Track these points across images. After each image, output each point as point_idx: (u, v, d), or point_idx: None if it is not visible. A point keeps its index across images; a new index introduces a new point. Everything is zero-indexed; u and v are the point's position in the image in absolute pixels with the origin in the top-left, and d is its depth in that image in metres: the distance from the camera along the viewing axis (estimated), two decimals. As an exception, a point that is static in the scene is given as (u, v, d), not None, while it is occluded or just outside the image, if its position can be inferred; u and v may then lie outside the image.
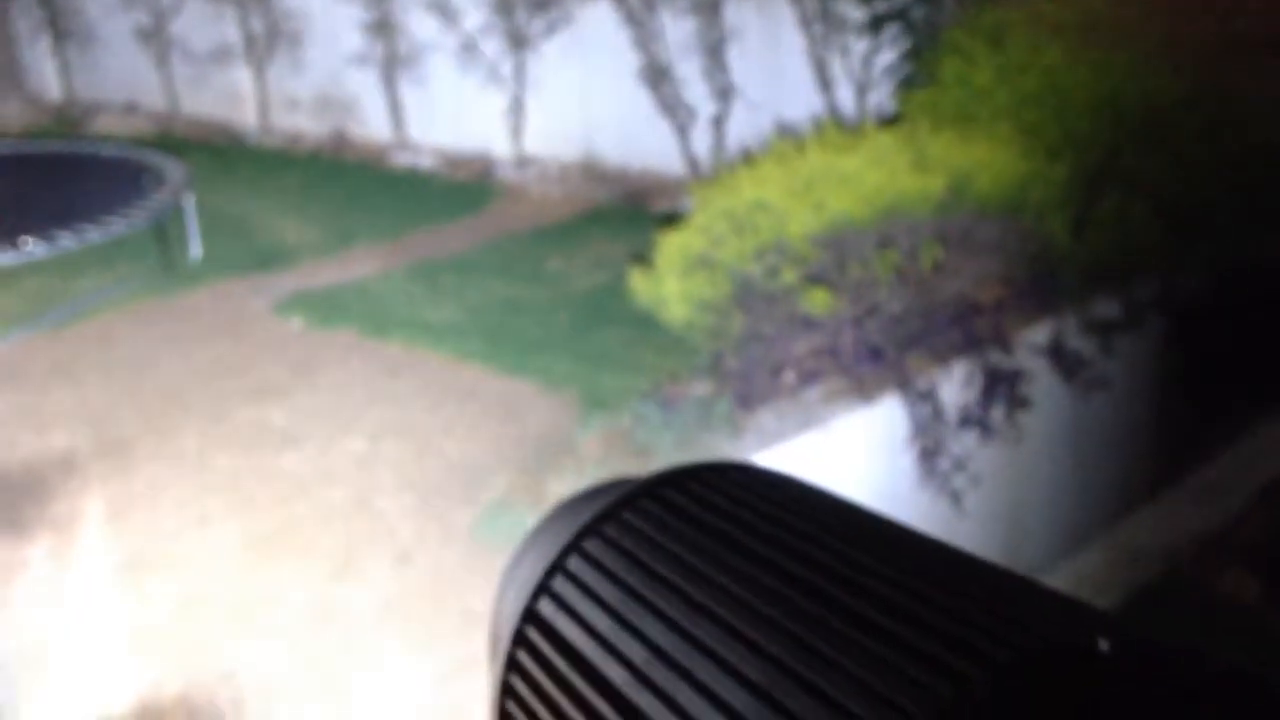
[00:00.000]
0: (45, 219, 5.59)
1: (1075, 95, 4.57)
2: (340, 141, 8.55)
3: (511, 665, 0.43)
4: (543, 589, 0.44)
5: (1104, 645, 0.31)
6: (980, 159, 4.27)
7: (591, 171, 7.57)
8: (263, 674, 3.19)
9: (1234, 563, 4.50)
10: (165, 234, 6.17)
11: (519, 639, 0.43)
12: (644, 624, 0.38)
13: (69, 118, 9.33)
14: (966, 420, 4.32)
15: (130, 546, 3.69)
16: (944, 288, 4.27)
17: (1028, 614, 0.34)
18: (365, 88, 8.35)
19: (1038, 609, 0.34)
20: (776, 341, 4.14)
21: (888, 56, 6.12)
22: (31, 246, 5.34)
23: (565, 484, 4.00)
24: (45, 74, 9.94)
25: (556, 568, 0.44)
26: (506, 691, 0.43)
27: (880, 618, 0.34)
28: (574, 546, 0.45)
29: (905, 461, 4.24)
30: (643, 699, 0.36)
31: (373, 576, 3.60)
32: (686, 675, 0.36)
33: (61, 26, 9.72)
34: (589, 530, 0.45)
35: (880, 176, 3.91)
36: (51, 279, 5.78)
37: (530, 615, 0.43)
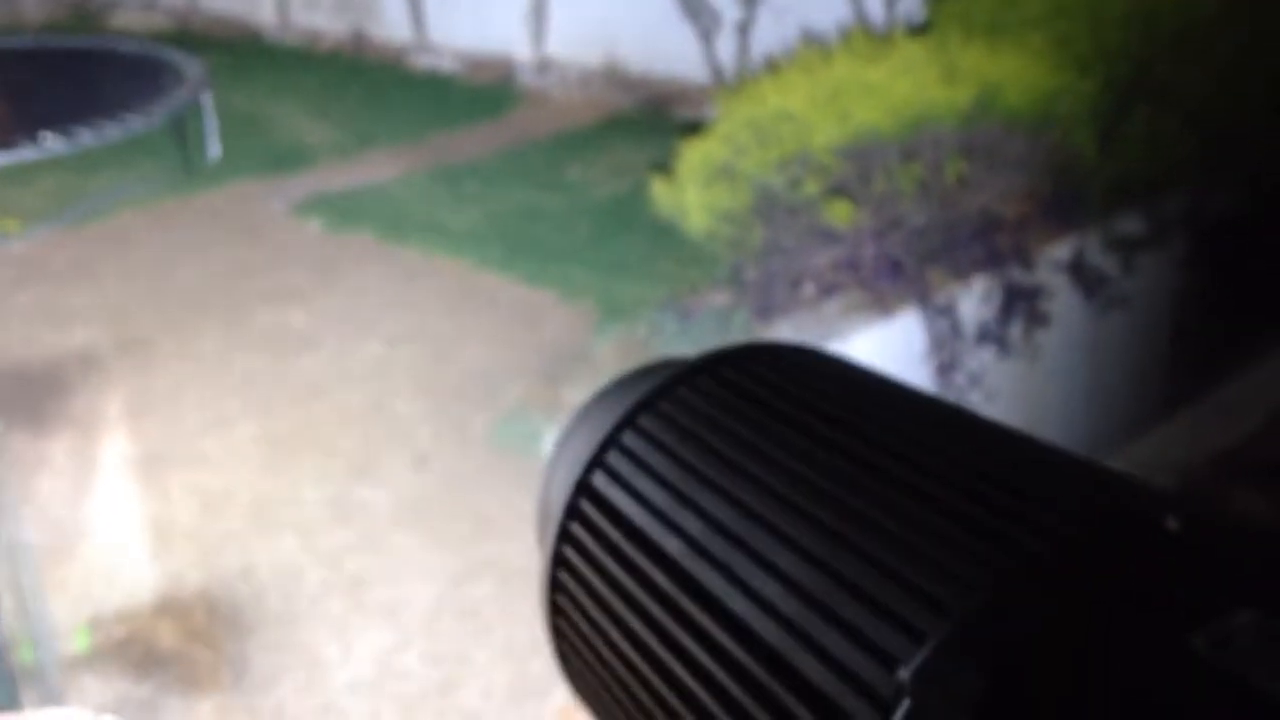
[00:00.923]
0: (63, 115, 5.54)
1: (1109, 5, 4.47)
2: (360, 41, 8.44)
3: (564, 536, 0.43)
4: (596, 462, 0.44)
5: (1173, 522, 0.31)
6: (1009, 71, 4.19)
7: (614, 77, 7.46)
8: (281, 570, 3.24)
9: (1244, 481, 4.50)
10: (184, 133, 6.12)
11: (572, 511, 0.43)
12: (699, 497, 0.38)
13: (87, 12, 9.22)
14: (984, 336, 4.30)
15: (150, 444, 3.73)
16: (967, 202, 4.22)
17: (1093, 489, 0.33)
18: (385, -14, 8.21)
19: (1103, 485, 0.34)
20: (797, 253, 4.11)
21: (919, -37, 5.98)
22: (50, 142, 5.31)
23: (580, 391, 4.00)
24: (62, -33, 9.81)
25: (610, 442, 0.44)
26: (559, 561, 0.43)
27: (940, 490, 0.34)
28: (628, 422, 0.45)
29: (922, 375, 4.23)
30: (698, 568, 0.37)
31: (390, 478, 3.64)
32: (742, 545, 0.36)
33: (78, -82, 9.55)
34: (643, 406, 0.45)
35: (908, 87, 3.85)
36: (70, 176, 5.76)
37: (584, 488, 0.43)
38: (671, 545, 0.38)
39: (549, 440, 3.74)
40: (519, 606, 3.20)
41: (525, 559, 3.33)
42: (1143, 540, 0.31)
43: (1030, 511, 0.32)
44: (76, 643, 2.96)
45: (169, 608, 3.08)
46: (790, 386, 0.42)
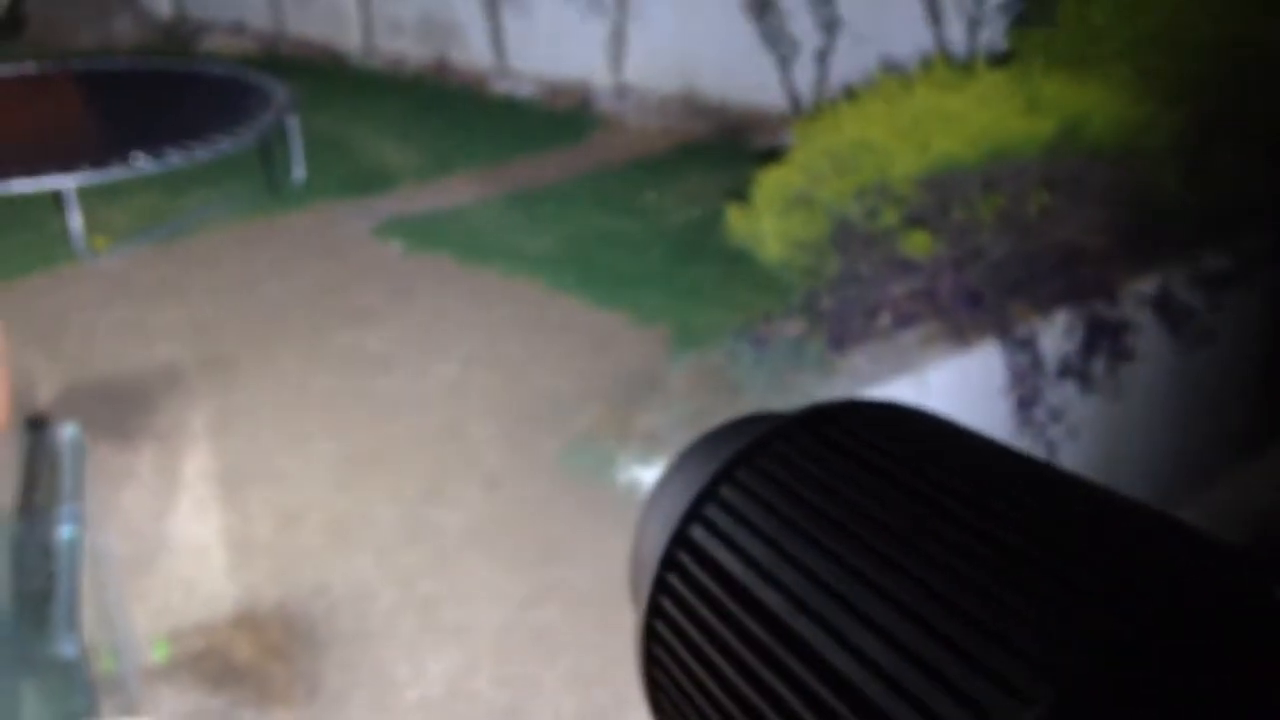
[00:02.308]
0: (154, 136, 5.71)
1: (1194, 36, 4.39)
2: (442, 67, 8.57)
3: (661, 587, 0.43)
4: (694, 515, 0.44)
5: None
6: (1093, 102, 4.13)
7: (691, 104, 7.49)
8: (355, 588, 3.28)
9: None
10: (270, 154, 6.27)
11: (669, 562, 0.44)
12: (798, 551, 0.38)
13: (178, 36, 9.48)
14: (1066, 371, 4.23)
15: (231, 459, 3.80)
16: (1049, 234, 4.16)
17: (1200, 556, 0.33)
18: (468, 13, 8.33)
19: (1208, 552, 0.33)
20: (873, 283, 4.08)
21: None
22: (141, 162, 5.46)
23: (653, 419, 4.02)
24: (157, -8, 10.11)
25: (708, 495, 0.45)
26: (655, 612, 0.43)
27: (1041, 552, 0.34)
28: (725, 475, 0.45)
29: (1001, 410, 4.17)
30: (798, 621, 0.37)
31: (461, 500, 3.67)
32: (842, 600, 0.36)
33: (173, -55, 9.86)
34: (740, 460, 0.45)
35: (989, 117, 3.81)
36: (159, 196, 5.92)
37: (681, 540, 0.44)
38: (770, 599, 0.38)
39: (619, 466, 3.74)
40: (586, 631, 3.20)
41: (592, 584, 3.33)
42: (1253, 614, 0.30)
43: (1137, 578, 0.32)
44: (155, 653, 3.02)
45: (245, 622, 3.13)
46: (888, 444, 0.42)
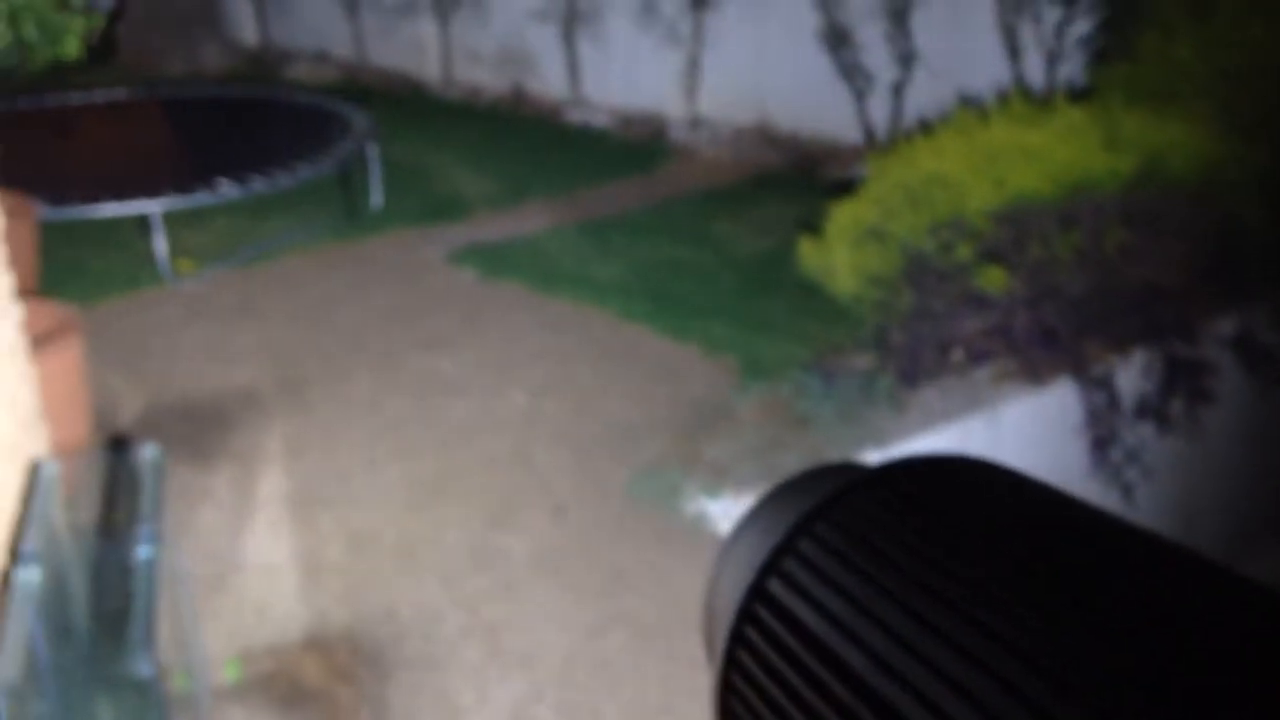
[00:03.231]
0: (238, 161, 5.85)
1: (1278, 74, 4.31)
2: (518, 96, 8.69)
3: (738, 639, 0.43)
4: (771, 568, 0.44)
5: None
6: (1175, 137, 4.07)
7: (764, 135, 7.50)
8: (422, 612, 3.31)
9: None
10: (349, 181, 6.39)
11: (746, 615, 0.44)
12: (880, 609, 0.38)
13: (263, 63, 9.71)
14: (1143, 411, 4.16)
15: (304, 481, 3.86)
16: (1128, 271, 4.10)
17: (1265, 622, 0.33)
18: (544, 44, 8.44)
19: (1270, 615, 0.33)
20: (946, 318, 4.05)
21: (1082, 26, 5.87)
22: (225, 188, 5.59)
23: (720, 449, 4.01)
24: (244, 20, 10.36)
25: (786, 548, 0.45)
26: (732, 664, 0.43)
27: (1127, 617, 0.34)
28: (804, 528, 0.45)
29: (1076, 449, 4.11)
30: (881, 682, 0.37)
31: (529, 526, 3.69)
32: (928, 663, 0.36)
33: (260, -25, 10.11)
34: (819, 513, 0.45)
35: (1068, 153, 3.77)
36: (241, 220, 6.05)
37: (759, 593, 0.44)
38: (852, 657, 0.38)
39: (686, 496, 3.74)
40: (650, 662, 3.19)
41: (657, 614, 3.33)
42: None
43: (1226, 646, 0.32)
44: (227, 673, 3.07)
45: (315, 644, 3.17)
46: (970, 502, 0.42)
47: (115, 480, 3.50)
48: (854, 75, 6.91)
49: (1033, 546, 0.39)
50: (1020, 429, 4.07)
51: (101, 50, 7.02)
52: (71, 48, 4.10)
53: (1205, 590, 0.36)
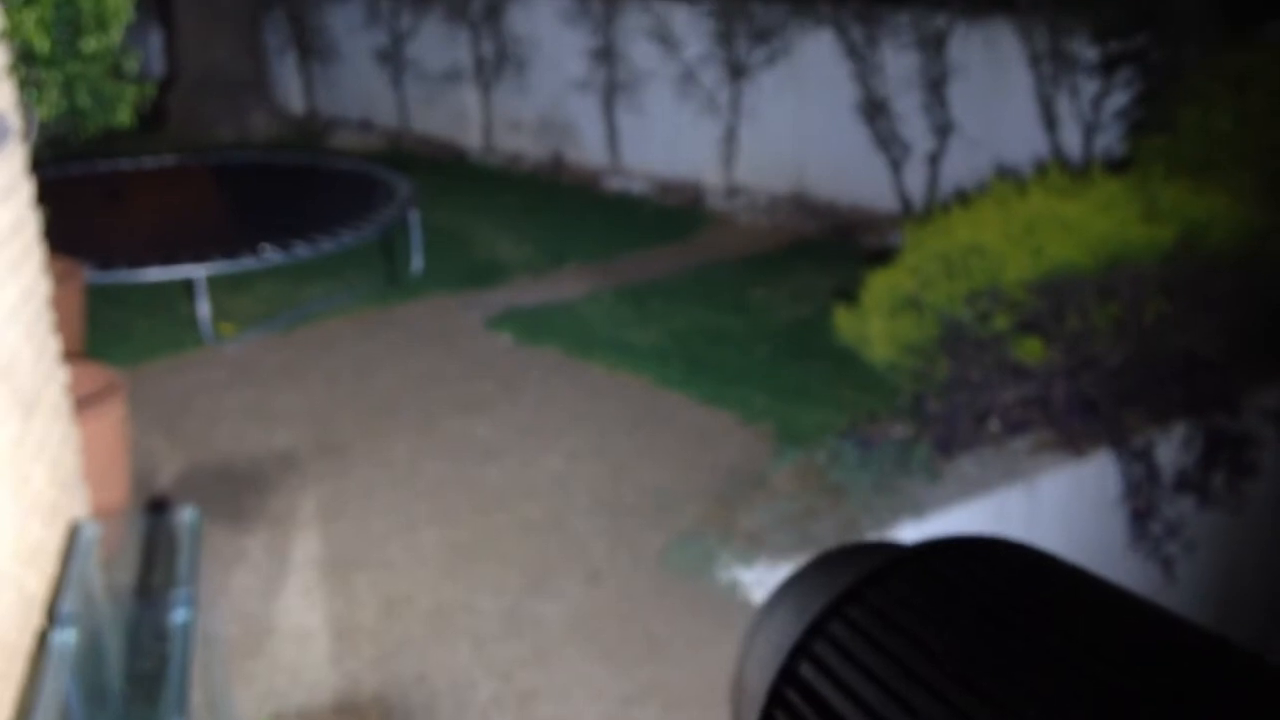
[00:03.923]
0: (283, 227, 5.95)
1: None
2: (557, 164, 8.80)
3: None
4: (802, 649, 0.44)
5: None
6: (1215, 209, 4.06)
7: (800, 203, 7.55)
8: (455, 679, 3.29)
9: None
10: (391, 246, 6.47)
11: (776, 698, 0.44)
12: (912, 696, 0.38)
13: (310, 131, 9.91)
14: (1184, 484, 4.10)
15: (340, 545, 3.87)
16: (1168, 342, 4.07)
17: None
18: (584, 113, 8.56)
19: None
20: (983, 388, 4.03)
21: (1120, 99, 5.89)
22: (269, 253, 5.69)
23: (756, 518, 3.99)
24: (291, 88, 10.59)
25: (816, 630, 0.45)
26: None
27: (1162, 710, 0.34)
28: (835, 611, 0.45)
29: (1115, 522, 4.06)
30: None
31: (563, 592, 3.68)
32: None
33: (308, 44, 10.34)
34: (851, 595, 0.45)
35: (1107, 224, 3.77)
36: (284, 284, 6.14)
37: (789, 675, 0.44)
38: None
39: (721, 565, 3.72)
40: (684, 734, 3.16)
41: (691, 684, 3.30)
42: None
43: None
44: (259, 737, 3.07)
45: (347, 709, 3.16)
46: (1002, 587, 0.42)
47: (153, 542, 3.53)
48: (890, 145, 6.96)
49: (1066, 635, 0.39)
50: (1058, 501, 4.03)
51: (152, 117, 7.19)
52: (124, 116, 4.19)
53: (1241, 681, 0.36)
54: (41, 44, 3.77)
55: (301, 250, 5.77)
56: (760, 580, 3.67)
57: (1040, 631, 0.40)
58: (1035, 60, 6.25)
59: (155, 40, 10.45)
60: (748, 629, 0.50)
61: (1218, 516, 4.16)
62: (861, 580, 0.45)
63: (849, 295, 4.47)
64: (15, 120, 2.85)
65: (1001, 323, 3.90)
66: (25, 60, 3.74)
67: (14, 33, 3.54)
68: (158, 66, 10.41)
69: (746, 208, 7.64)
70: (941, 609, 0.42)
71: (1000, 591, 0.43)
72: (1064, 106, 6.23)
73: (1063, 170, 4.44)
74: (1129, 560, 4.10)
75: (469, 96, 9.28)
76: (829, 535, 3.80)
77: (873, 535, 3.76)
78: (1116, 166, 4.91)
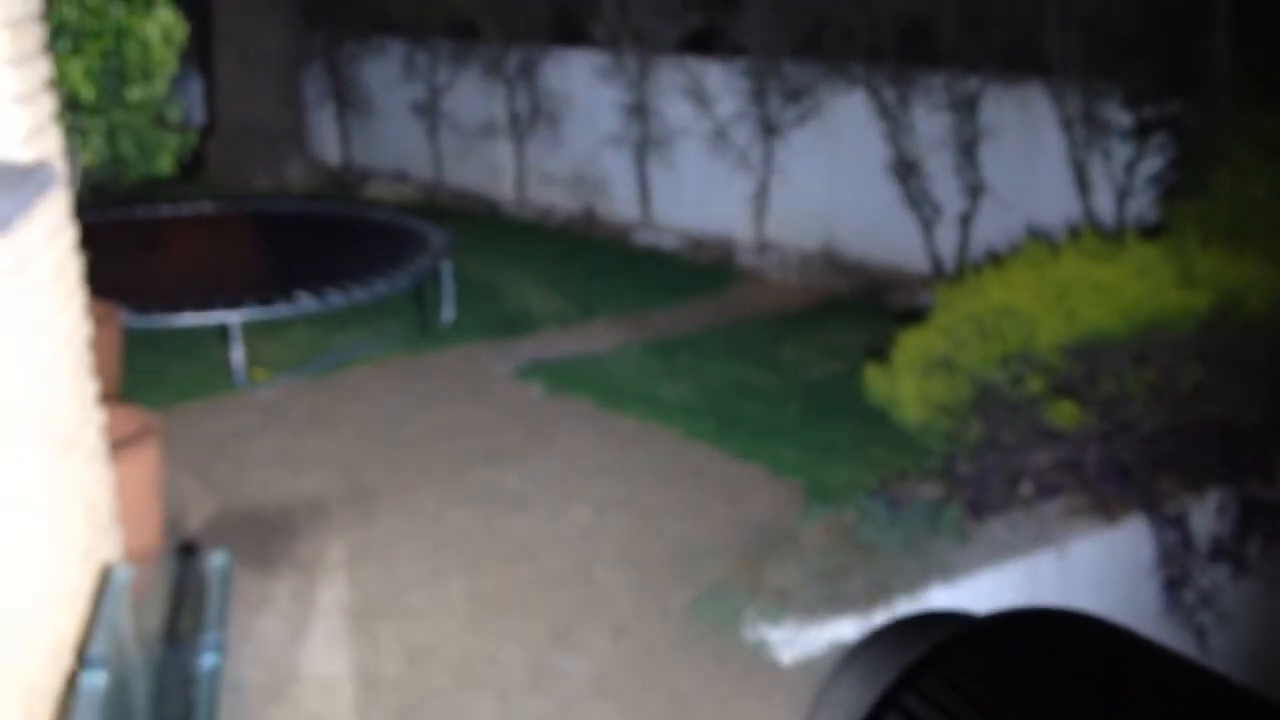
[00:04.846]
0: (316, 275, 6.01)
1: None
2: (589, 218, 8.87)
3: None
4: None
5: None
6: (1251, 276, 4.04)
7: (831, 261, 7.57)
8: (478, 732, 3.27)
9: None
10: (423, 295, 6.53)
11: None
12: None
13: (345, 182, 10.04)
14: (1219, 552, 4.05)
15: (366, 593, 3.87)
16: (1203, 409, 4.04)
17: None
18: (617, 168, 8.64)
19: None
20: (1015, 451, 4.01)
21: (1153, 164, 5.90)
22: (303, 300, 5.74)
23: (784, 574, 3.96)
24: (328, 140, 10.75)
25: (889, 701, 0.45)
26: None
27: None
28: (908, 682, 0.45)
29: (1147, 590, 4.01)
30: None
31: (588, 646, 3.66)
32: None
33: (345, 96, 10.51)
34: (923, 667, 0.45)
35: (1141, 289, 3.76)
36: (316, 331, 6.20)
37: None
38: None
39: (748, 622, 3.68)
40: (708, 794, 3.12)
41: (717, 744, 3.26)
42: None
43: None
44: (282, 785, 3.05)
45: (370, 760, 3.14)
46: (1078, 661, 0.42)
47: (183, 586, 3.54)
48: (921, 204, 6.98)
49: (1143, 712, 0.39)
50: (1090, 567, 3.98)
51: (191, 165, 7.30)
52: (166, 164, 4.27)
53: None
54: (87, 92, 3.85)
55: (334, 298, 5.82)
56: (788, 639, 3.64)
57: (1115, 708, 0.40)
58: (1068, 124, 6.27)
59: (196, 89, 10.65)
60: (816, 698, 0.50)
61: (1253, 586, 4.11)
62: (934, 652, 0.45)
63: (879, 354, 4.46)
64: (60, 167, 2.91)
65: (1035, 386, 3.88)
66: (70, 108, 3.81)
67: (60, 81, 3.61)
68: (198, 115, 10.60)
69: (777, 265, 7.66)
70: (1016, 683, 0.42)
71: (1074, 667, 0.43)
72: (1097, 170, 6.24)
73: (1096, 234, 4.44)
74: (1162, 629, 4.04)
75: (503, 150, 9.39)
76: (858, 594, 3.76)
77: (903, 597, 3.73)
78: (1150, 231, 4.91)
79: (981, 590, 3.82)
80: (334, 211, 7.89)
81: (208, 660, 2.70)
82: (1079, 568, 3.96)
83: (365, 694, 3.41)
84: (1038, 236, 5.35)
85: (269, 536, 4.18)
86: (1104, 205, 6.25)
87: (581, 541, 4.22)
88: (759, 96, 7.67)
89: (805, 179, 7.70)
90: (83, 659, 2.50)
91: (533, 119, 9.10)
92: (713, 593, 3.89)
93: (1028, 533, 4.00)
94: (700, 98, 7.94)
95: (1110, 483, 3.99)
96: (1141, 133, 5.87)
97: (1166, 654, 0.43)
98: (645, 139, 8.36)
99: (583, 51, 8.64)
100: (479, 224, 8.76)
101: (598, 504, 4.47)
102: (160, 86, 4.06)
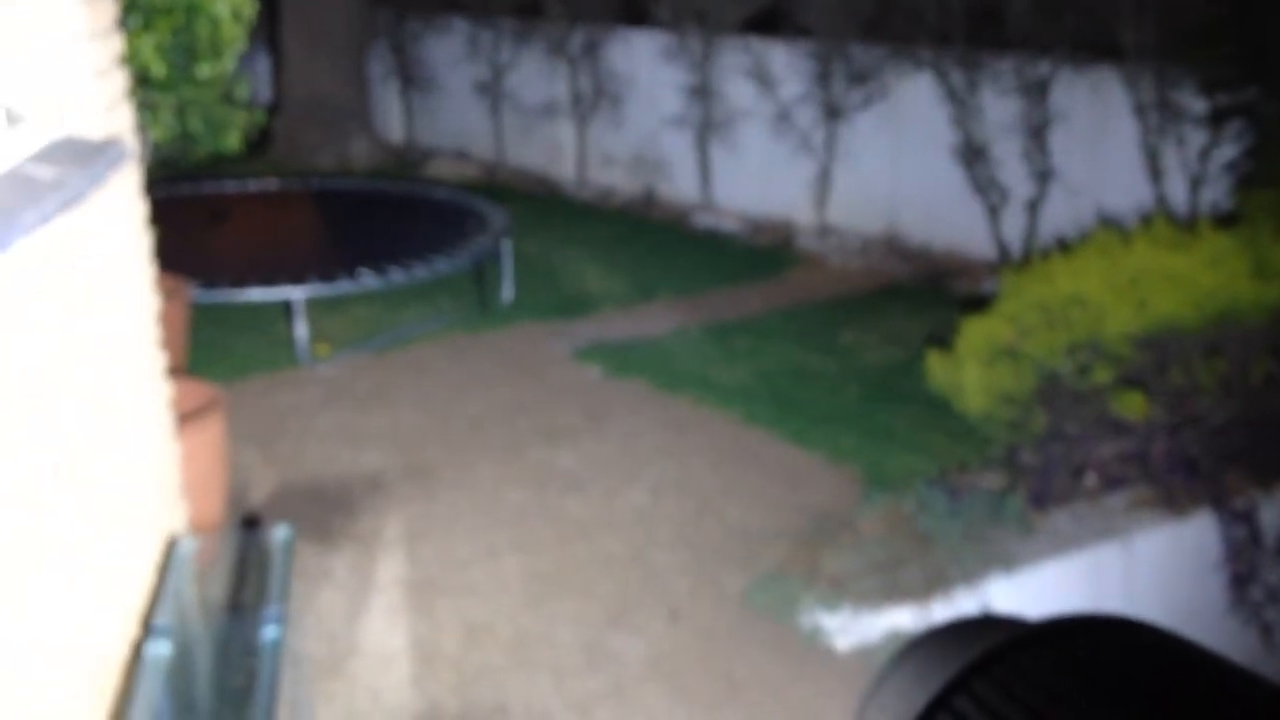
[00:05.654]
0: (380, 253, 6.05)
1: None
2: (649, 199, 8.85)
3: None
4: None
5: None
6: (1328, 268, 3.94)
7: (893, 246, 7.49)
8: (532, 710, 3.29)
9: None
10: (482, 274, 6.56)
11: None
12: None
13: (408, 160, 10.10)
14: (1288, 549, 3.97)
15: (424, 568, 3.90)
16: (1274, 402, 3.95)
17: None
18: (677, 149, 8.61)
19: None
20: (1080, 442, 3.94)
21: (1228, 151, 5.76)
22: (365, 278, 5.79)
23: (841, 562, 3.93)
24: (391, 118, 10.82)
25: (941, 703, 0.44)
26: None
27: None
28: (961, 684, 0.44)
29: (1213, 585, 3.93)
30: None
31: (643, 628, 3.66)
32: None
33: (409, 75, 10.56)
34: (976, 669, 0.44)
35: (1214, 279, 3.68)
36: (378, 308, 6.25)
37: None
38: None
39: (804, 608, 3.67)
40: (761, 779, 3.12)
41: (770, 729, 3.26)
42: None
43: None
44: (340, 757, 3.09)
45: (427, 735, 3.17)
46: (1134, 670, 0.41)
47: (246, 558, 3.59)
48: (988, 190, 6.87)
49: None
50: (1155, 561, 3.92)
51: (256, 141, 7.38)
52: (234, 141, 4.31)
53: None
54: (158, 69, 3.89)
55: (396, 276, 5.86)
56: (844, 627, 3.62)
57: (1168, 718, 0.39)
58: (1141, 110, 6.14)
59: (263, 66, 10.76)
60: (864, 696, 0.49)
61: (1323, 584, 4.02)
62: (988, 655, 0.44)
63: (941, 341, 4.41)
64: (131, 142, 2.94)
65: (1102, 376, 3.82)
66: (141, 84, 3.85)
67: (132, 58, 3.65)
68: (264, 92, 10.71)
69: (838, 249, 7.60)
70: (1068, 690, 0.41)
71: (1128, 675, 0.41)
72: (1169, 157, 6.10)
73: (1168, 222, 4.35)
74: (1227, 625, 3.97)
75: (565, 130, 9.39)
76: (916, 584, 3.73)
77: (962, 587, 3.69)
78: (1224, 220, 4.79)
79: (1044, 583, 3.77)
80: (396, 189, 7.94)
81: (269, 632, 2.73)
82: (1143, 562, 3.89)
83: (423, 669, 3.44)
84: (1108, 223, 5.26)
85: (330, 510, 4.23)
86: (1176, 192, 6.11)
87: (637, 523, 4.22)
88: (823, 79, 7.59)
89: (869, 162, 7.62)
90: (148, 628, 2.53)
91: (595, 99, 9.09)
92: (769, 578, 3.88)
93: (1092, 525, 3.94)
94: (763, 79, 7.88)
95: (1177, 476, 3.91)
96: (1216, 120, 5.73)
97: (1223, 664, 0.41)
98: (707, 120, 8.32)
99: (646, 32, 8.61)
100: (539, 204, 8.78)
101: (654, 486, 4.47)
102: (229, 64, 4.09)
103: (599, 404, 5.21)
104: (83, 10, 2.61)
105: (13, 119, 2.35)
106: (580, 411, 5.12)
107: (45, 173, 2.20)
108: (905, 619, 3.62)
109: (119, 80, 2.91)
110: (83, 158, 2.42)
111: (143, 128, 3.79)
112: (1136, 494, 4.01)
